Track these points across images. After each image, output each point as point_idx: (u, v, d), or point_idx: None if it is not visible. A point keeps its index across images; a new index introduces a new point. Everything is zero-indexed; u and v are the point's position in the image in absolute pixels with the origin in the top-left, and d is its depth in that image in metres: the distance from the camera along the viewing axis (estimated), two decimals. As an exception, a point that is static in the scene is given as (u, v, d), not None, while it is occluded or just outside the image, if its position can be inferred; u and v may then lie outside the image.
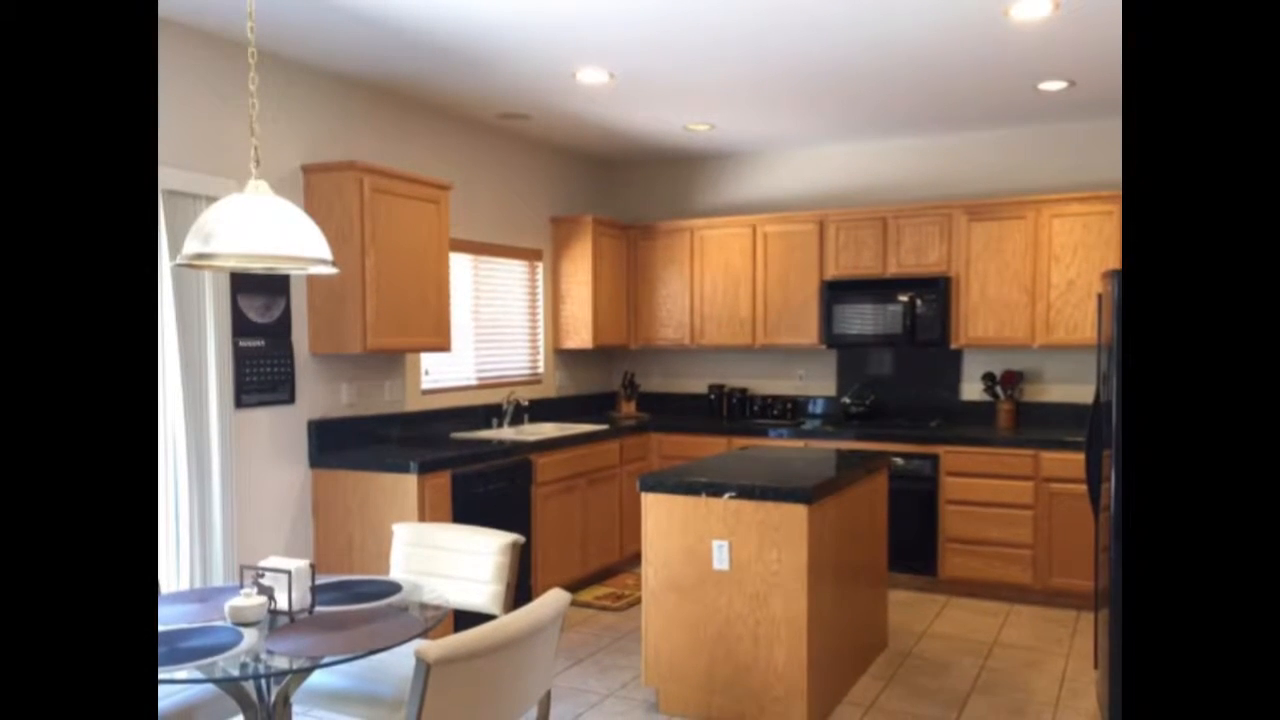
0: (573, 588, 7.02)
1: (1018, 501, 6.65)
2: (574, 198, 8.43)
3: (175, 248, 4.79)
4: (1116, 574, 4.09)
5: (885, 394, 7.86)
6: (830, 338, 7.51)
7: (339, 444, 5.94)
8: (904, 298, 7.23)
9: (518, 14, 4.78)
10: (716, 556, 4.68)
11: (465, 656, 2.57)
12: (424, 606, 3.40)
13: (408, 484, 5.46)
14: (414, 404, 6.63)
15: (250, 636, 3.04)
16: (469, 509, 5.81)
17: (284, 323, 5.55)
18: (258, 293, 5.38)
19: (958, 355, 7.61)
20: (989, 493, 6.72)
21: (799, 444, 7.22)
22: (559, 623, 2.96)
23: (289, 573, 3.26)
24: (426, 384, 6.76)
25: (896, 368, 7.82)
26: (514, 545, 3.98)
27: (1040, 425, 7.25)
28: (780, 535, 4.54)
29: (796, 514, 4.51)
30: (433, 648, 2.50)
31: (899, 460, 6.99)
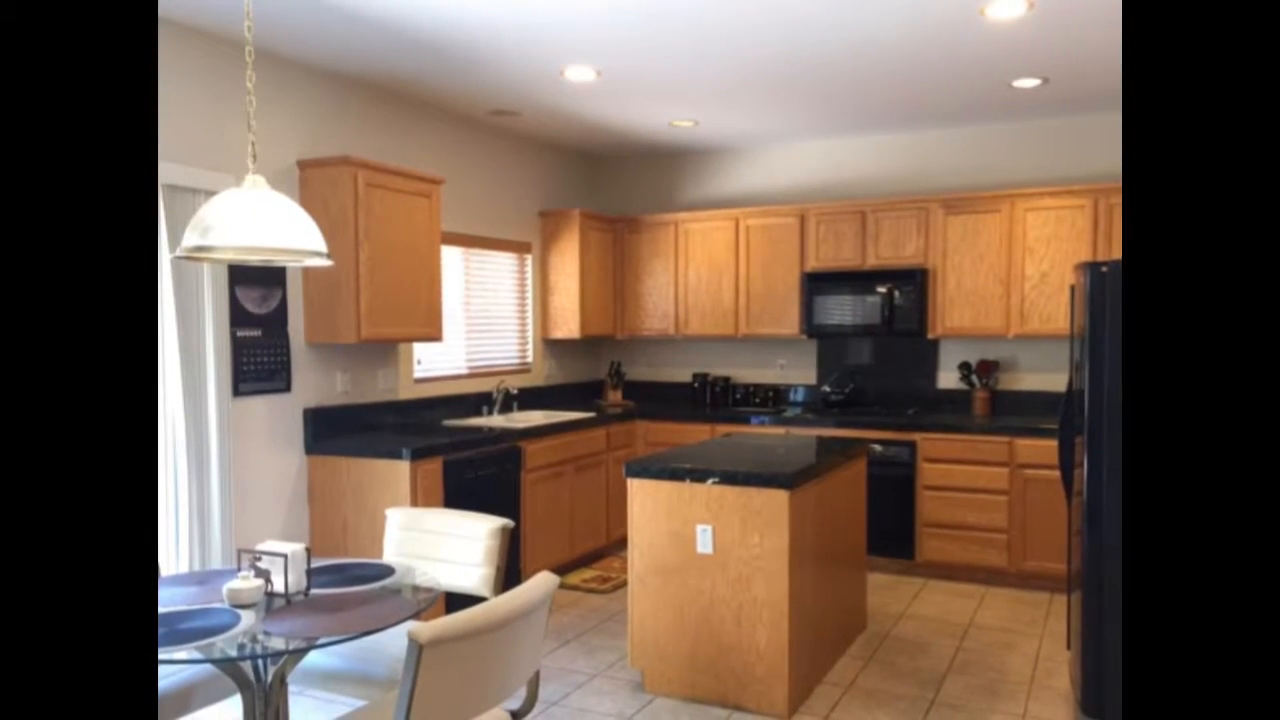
0: (561, 571, 7.03)
1: (993, 487, 6.68)
2: (562, 192, 8.43)
3: (175, 240, 4.79)
4: (1089, 557, 4.12)
5: (864, 382, 7.88)
6: (811, 328, 7.53)
7: (334, 431, 5.94)
8: (882, 289, 7.24)
9: (508, 14, 4.78)
10: (700, 540, 4.70)
11: (456, 637, 2.58)
12: (416, 589, 3.41)
13: (401, 470, 5.47)
14: (406, 392, 6.63)
15: (248, 618, 3.04)
16: (460, 494, 5.81)
17: (280, 313, 5.55)
18: (255, 284, 5.37)
19: (935, 345, 7.64)
20: (965, 478, 6.75)
21: (780, 431, 7.24)
22: (547, 605, 2.98)
23: (285, 556, 3.27)
24: (419, 373, 6.76)
25: (875, 357, 7.84)
26: (504, 530, 3.99)
27: (1014, 413, 7.28)
28: (762, 520, 4.56)
29: (778, 499, 4.53)
30: (425, 629, 2.51)
31: (877, 447, 7.01)
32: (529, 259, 7.95)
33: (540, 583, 2.92)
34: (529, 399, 7.91)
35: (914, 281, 7.14)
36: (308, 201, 5.64)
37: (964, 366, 7.35)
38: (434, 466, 5.62)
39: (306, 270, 5.71)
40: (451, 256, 7.04)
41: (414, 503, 5.46)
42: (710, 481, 4.67)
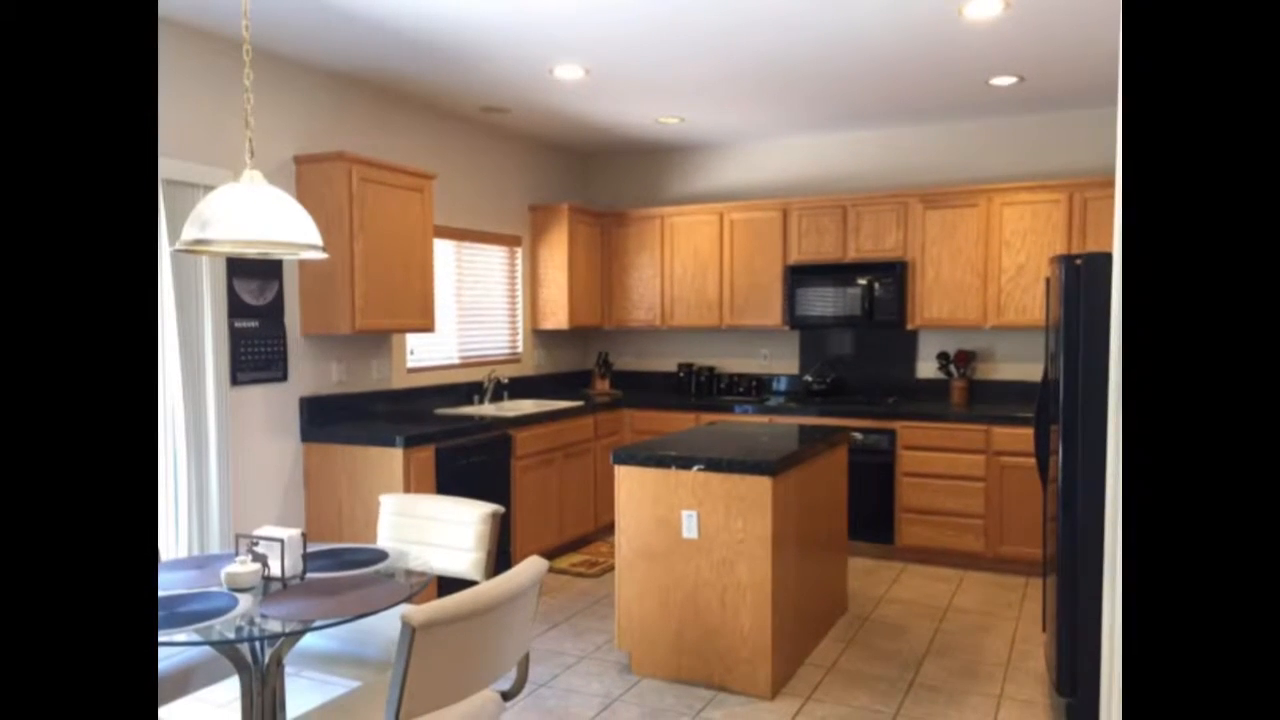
0: (550, 555, 7.04)
1: (970, 474, 6.70)
2: (551, 187, 8.42)
3: (175, 234, 4.78)
4: (1063, 542, 4.14)
5: (845, 372, 7.90)
6: (793, 319, 7.54)
7: (329, 419, 5.94)
8: (863, 281, 7.26)
9: (499, 13, 4.77)
10: (686, 526, 4.71)
11: (448, 620, 2.59)
12: (409, 573, 3.42)
13: (394, 457, 5.47)
14: (400, 382, 6.63)
15: (245, 601, 3.05)
16: (452, 481, 5.82)
17: (277, 305, 5.54)
18: (252, 276, 5.36)
19: (914, 335, 7.66)
20: (943, 465, 6.78)
21: (763, 419, 7.26)
22: (537, 588, 2.98)
23: (282, 541, 3.27)
24: (412, 363, 6.76)
25: (856, 347, 7.86)
26: (494, 515, 4.00)
27: (991, 402, 7.30)
28: (746, 506, 4.57)
29: (761, 485, 4.54)
30: (417, 612, 2.52)
31: (858, 435, 7.03)
32: (519, 252, 7.94)
33: (530, 567, 2.93)
34: (519, 388, 7.91)
35: (894, 274, 7.16)
36: (304, 196, 5.63)
37: (942, 356, 7.37)
38: (426, 454, 5.62)
39: (303, 263, 5.70)
40: (444, 249, 7.03)
41: (407, 489, 5.46)
42: (695, 468, 4.68)
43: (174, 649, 3.57)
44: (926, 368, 7.64)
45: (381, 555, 3.65)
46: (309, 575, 3.36)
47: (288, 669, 4.65)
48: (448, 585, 5.63)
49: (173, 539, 4.91)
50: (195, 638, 2.74)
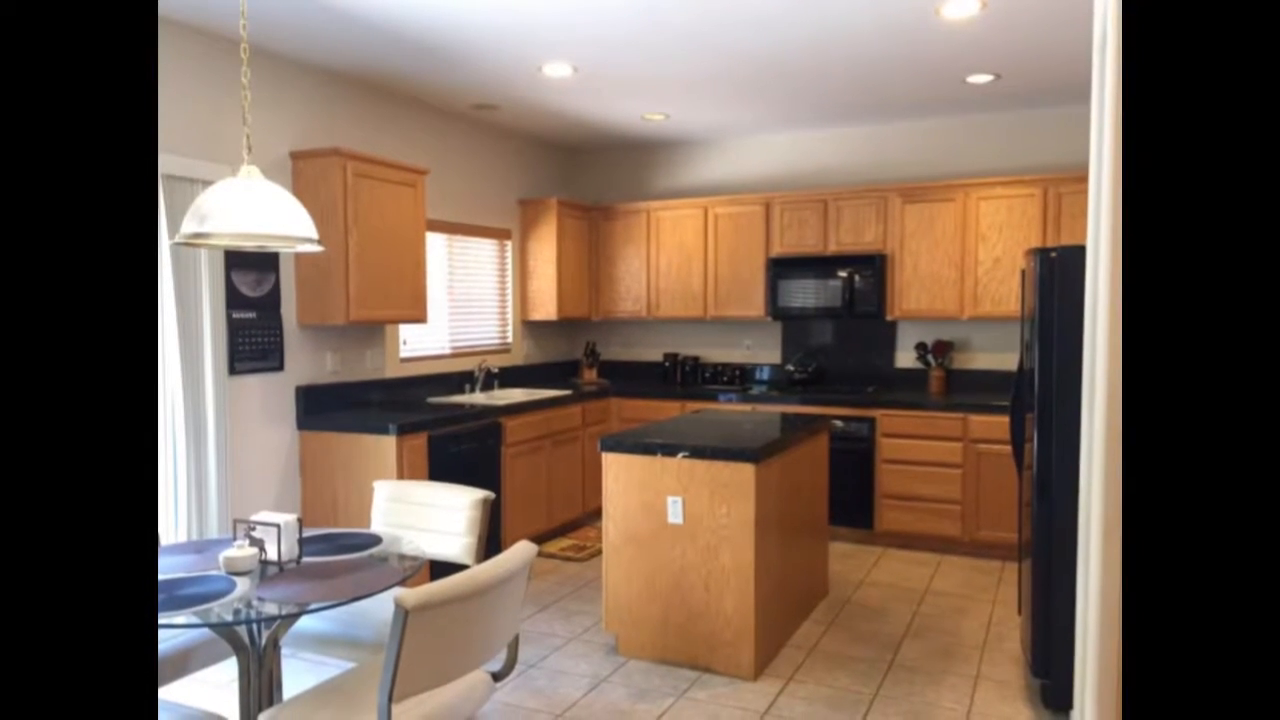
0: (539, 540, 7.05)
1: (948, 461, 6.73)
2: (540, 181, 8.42)
3: (174, 227, 4.77)
4: (1038, 527, 4.17)
5: (826, 362, 7.92)
6: (775, 310, 7.55)
7: (324, 408, 5.94)
8: (843, 273, 7.27)
9: (489, 12, 4.77)
10: (671, 511, 4.72)
11: (440, 603, 2.60)
12: (402, 557, 3.43)
13: (387, 445, 5.47)
14: (393, 371, 6.63)
15: (243, 585, 3.05)
16: (444, 467, 5.82)
17: (274, 296, 5.53)
18: (249, 269, 5.35)
19: (893, 326, 7.67)
20: (921, 453, 6.80)
21: (747, 408, 7.27)
22: (526, 572, 2.99)
23: (278, 526, 3.28)
24: (405, 353, 6.76)
25: (836, 338, 7.87)
26: (485, 501, 4.01)
27: (968, 391, 7.33)
28: (729, 492, 4.59)
29: (744, 472, 4.55)
30: (410, 595, 2.53)
31: (839, 423, 7.05)
32: (509, 245, 7.94)
33: (519, 551, 2.94)
34: (509, 377, 7.92)
35: (873, 266, 7.17)
36: (300, 191, 5.62)
37: (920, 347, 7.39)
38: (419, 441, 5.62)
39: (299, 255, 5.69)
40: (435, 243, 7.03)
41: (400, 476, 5.46)
42: (680, 455, 4.69)
43: (174, 631, 3.57)
44: (905, 357, 7.66)
45: (375, 540, 3.65)
46: (305, 559, 3.37)
47: (284, 650, 4.65)
48: (440, 569, 5.64)
49: (172, 524, 4.91)
50: (194, 620, 2.75)
